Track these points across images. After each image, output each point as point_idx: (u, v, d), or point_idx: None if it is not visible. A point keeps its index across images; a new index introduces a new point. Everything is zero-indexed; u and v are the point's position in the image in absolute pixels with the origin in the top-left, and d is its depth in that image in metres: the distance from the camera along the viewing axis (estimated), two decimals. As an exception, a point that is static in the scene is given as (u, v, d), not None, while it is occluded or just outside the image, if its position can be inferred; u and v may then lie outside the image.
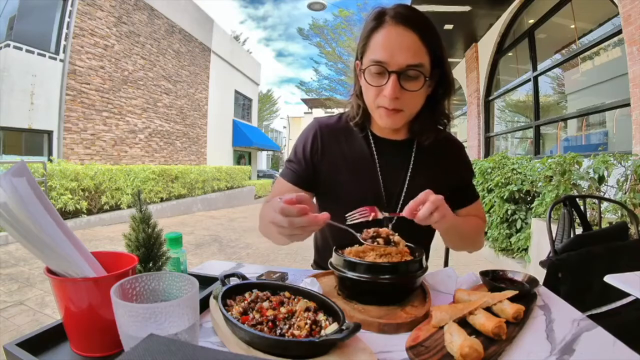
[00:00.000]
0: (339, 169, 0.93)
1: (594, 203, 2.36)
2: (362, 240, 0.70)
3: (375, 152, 0.94)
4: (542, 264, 1.18)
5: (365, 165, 0.93)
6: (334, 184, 0.94)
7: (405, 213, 0.69)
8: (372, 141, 0.95)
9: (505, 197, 3.69)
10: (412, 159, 0.94)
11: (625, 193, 2.49)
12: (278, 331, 0.49)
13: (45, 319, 2.34)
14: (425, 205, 0.67)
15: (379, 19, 0.81)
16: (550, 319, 0.63)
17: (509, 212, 3.65)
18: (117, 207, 6.66)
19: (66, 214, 5.58)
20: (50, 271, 0.48)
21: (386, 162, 0.93)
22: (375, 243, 0.69)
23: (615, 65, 4.06)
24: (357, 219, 0.75)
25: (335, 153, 0.94)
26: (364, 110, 0.91)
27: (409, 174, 0.93)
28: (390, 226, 0.88)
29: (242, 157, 17.45)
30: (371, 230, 0.72)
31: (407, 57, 0.77)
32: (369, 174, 0.92)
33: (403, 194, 0.92)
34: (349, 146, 0.95)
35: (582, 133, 5.23)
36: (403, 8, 0.81)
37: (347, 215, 0.75)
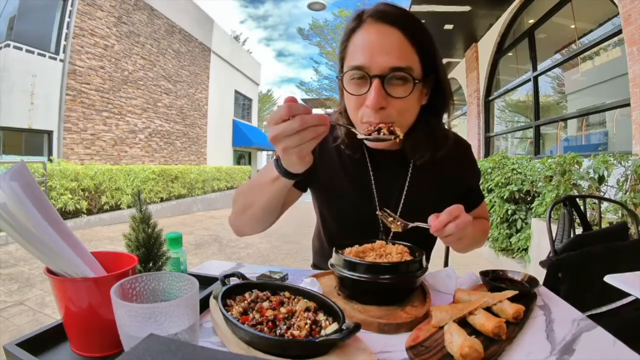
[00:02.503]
0: (336, 173, 0.87)
1: (594, 203, 2.36)
2: (364, 137, 0.67)
3: (369, 163, 0.86)
4: (542, 264, 1.18)
5: (360, 173, 0.86)
6: (331, 188, 0.88)
7: (433, 229, 0.63)
8: (366, 153, 0.86)
9: (505, 197, 3.69)
10: (411, 168, 0.86)
11: (626, 193, 2.49)
12: (278, 331, 0.49)
13: (45, 319, 2.35)
14: (456, 222, 0.61)
15: (358, 19, 0.72)
16: (550, 319, 0.63)
17: (509, 212, 3.66)
18: (117, 207, 6.66)
19: (66, 214, 5.58)
20: (50, 271, 0.48)
21: (382, 172, 0.87)
22: (382, 134, 0.66)
23: (615, 65, 4.06)
24: (387, 221, 0.72)
25: (331, 152, 0.88)
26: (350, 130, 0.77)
27: (406, 184, 0.86)
28: (389, 237, 0.86)
29: (242, 157, 17.45)
30: (371, 127, 0.68)
31: (391, 59, 0.67)
32: (364, 184, 0.86)
33: (401, 204, 0.86)
34: (344, 153, 0.86)
35: (582, 133, 5.24)
36: (384, 5, 0.71)
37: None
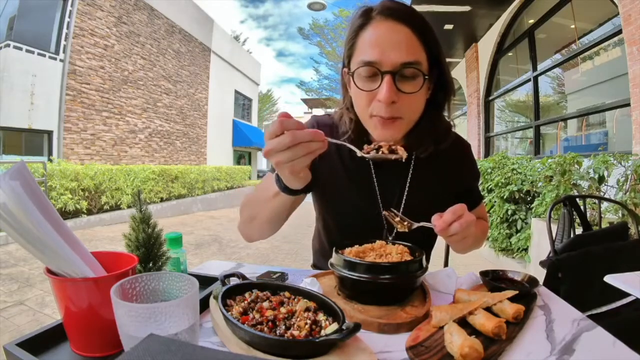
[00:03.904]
0: (337, 173, 0.87)
1: (594, 203, 2.36)
2: (364, 155, 0.66)
3: (371, 162, 0.86)
4: (542, 264, 1.18)
5: (361, 173, 0.87)
6: (331, 188, 0.88)
7: (437, 228, 0.63)
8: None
9: (505, 197, 3.69)
10: (412, 166, 0.86)
11: (626, 193, 2.49)
12: (278, 331, 0.49)
13: (45, 319, 2.35)
14: (460, 221, 0.62)
15: (366, 15, 0.73)
16: (550, 319, 0.63)
17: (509, 212, 3.65)
18: (117, 207, 6.66)
19: (66, 214, 5.58)
20: (50, 271, 0.48)
21: (384, 171, 0.87)
22: (381, 153, 0.66)
23: (615, 65, 4.06)
24: (393, 221, 0.72)
25: (332, 155, 0.87)
26: (357, 123, 0.80)
27: (407, 182, 0.86)
28: (391, 237, 0.87)
29: (242, 157, 17.46)
30: (372, 145, 0.68)
31: (402, 54, 0.68)
32: (365, 183, 0.87)
33: (402, 203, 0.86)
34: (346, 151, 0.85)
35: (582, 133, 5.24)
36: (391, 2, 0.72)
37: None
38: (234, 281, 0.63)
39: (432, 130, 0.81)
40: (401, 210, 0.86)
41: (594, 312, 1.08)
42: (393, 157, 0.66)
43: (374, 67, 0.70)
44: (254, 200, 0.82)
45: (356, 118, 0.80)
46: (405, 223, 0.71)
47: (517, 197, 3.67)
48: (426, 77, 0.71)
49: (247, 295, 0.58)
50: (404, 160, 0.67)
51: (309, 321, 0.50)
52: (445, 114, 0.85)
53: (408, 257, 0.68)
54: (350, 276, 0.64)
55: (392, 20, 0.70)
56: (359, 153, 0.67)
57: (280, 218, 0.81)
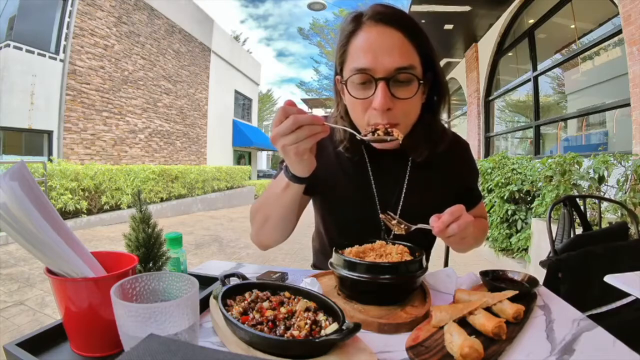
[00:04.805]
0: (335, 175, 0.87)
1: (594, 203, 2.37)
2: (362, 138, 0.68)
3: (369, 164, 0.86)
4: (542, 264, 1.18)
5: (359, 175, 0.86)
6: (329, 188, 0.88)
7: (435, 230, 0.63)
8: (365, 154, 0.86)
9: (505, 197, 3.69)
10: (409, 167, 0.86)
11: (625, 193, 2.49)
12: (278, 331, 0.49)
13: (45, 319, 2.35)
14: (458, 222, 0.62)
15: (356, 21, 0.71)
16: (550, 319, 0.63)
17: (509, 212, 3.65)
18: (117, 207, 6.66)
19: (66, 214, 5.58)
20: (50, 271, 0.48)
21: (381, 173, 0.87)
22: (376, 135, 0.67)
23: (615, 65, 4.06)
24: (390, 224, 0.72)
25: (330, 156, 0.87)
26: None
27: (405, 184, 0.86)
28: (389, 238, 0.87)
29: (242, 157, 17.45)
30: (369, 127, 0.69)
31: (395, 59, 0.67)
32: (363, 185, 0.86)
33: (400, 203, 0.86)
34: (343, 156, 0.86)
35: (582, 133, 5.24)
36: (381, 6, 0.71)
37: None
38: (234, 281, 0.63)
39: (428, 134, 0.80)
40: (399, 211, 0.85)
41: (594, 312, 1.08)
42: (389, 138, 0.67)
43: (367, 73, 0.68)
44: (264, 202, 0.83)
45: (351, 126, 0.79)
46: (403, 226, 0.71)
47: (517, 197, 3.67)
48: (421, 81, 0.70)
49: (247, 295, 0.58)
50: (400, 141, 0.68)
51: (309, 321, 0.50)
52: (445, 115, 0.85)
53: (408, 257, 0.68)
54: (350, 276, 0.64)
55: (383, 25, 0.69)
56: (358, 136, 0.69)
57: (291, 216, 0.81)
